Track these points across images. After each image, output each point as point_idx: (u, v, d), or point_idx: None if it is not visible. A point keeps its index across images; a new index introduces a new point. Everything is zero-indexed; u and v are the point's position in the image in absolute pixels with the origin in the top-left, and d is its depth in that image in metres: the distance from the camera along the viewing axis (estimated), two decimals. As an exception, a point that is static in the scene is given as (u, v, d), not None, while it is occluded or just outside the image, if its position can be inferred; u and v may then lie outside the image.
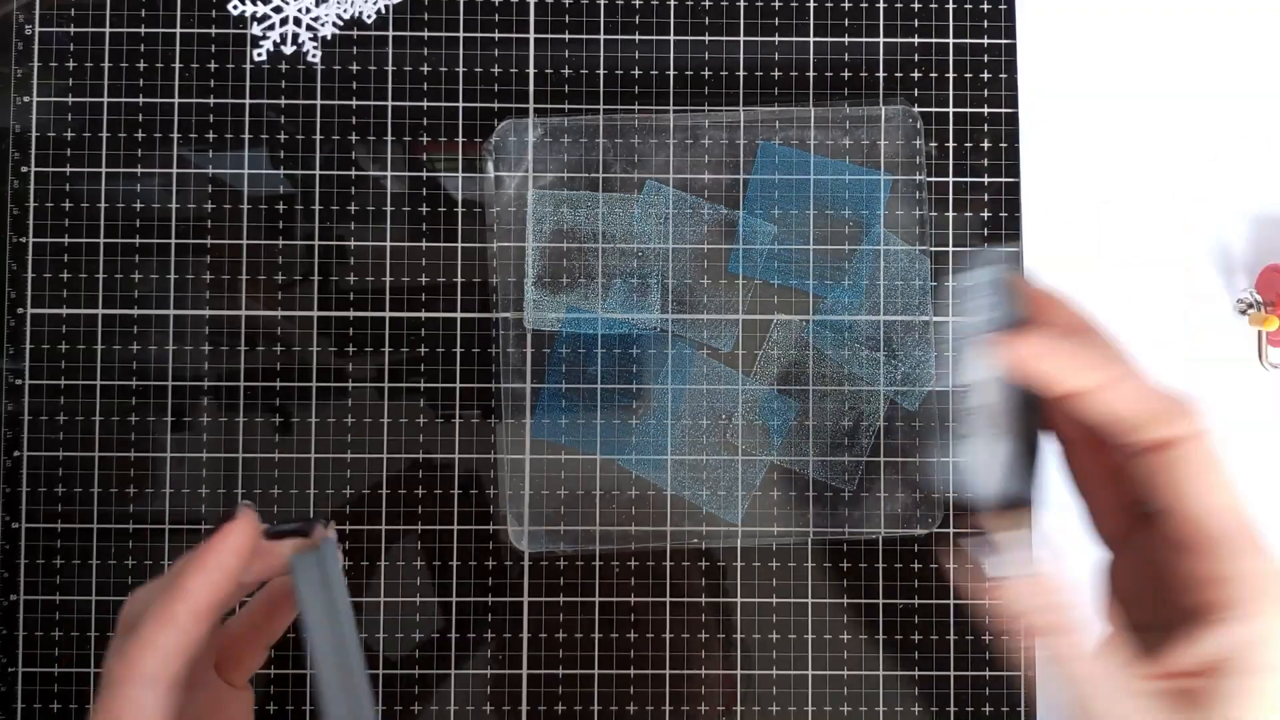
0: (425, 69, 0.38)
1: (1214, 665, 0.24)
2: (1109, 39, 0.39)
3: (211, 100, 0.38)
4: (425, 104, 0.38)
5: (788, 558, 0.38)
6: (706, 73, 0.38)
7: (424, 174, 0.38)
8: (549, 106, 0.38)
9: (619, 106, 0.38)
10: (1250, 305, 0.37)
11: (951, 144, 0.38)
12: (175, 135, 0.38)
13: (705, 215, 0.38)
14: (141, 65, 0.38)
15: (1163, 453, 0.24)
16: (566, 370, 0.38)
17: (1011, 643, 0.30)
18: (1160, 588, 0.25)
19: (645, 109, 0.38)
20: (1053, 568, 0.25)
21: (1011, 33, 0.39)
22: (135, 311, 0.38)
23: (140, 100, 0.38)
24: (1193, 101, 0.39)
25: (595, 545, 0.38)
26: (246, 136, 0.38)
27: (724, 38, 0.38)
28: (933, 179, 0.38)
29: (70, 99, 0.38)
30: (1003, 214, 0.38)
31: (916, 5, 0.39)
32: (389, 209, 0.38)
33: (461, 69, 0.38)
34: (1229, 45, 0.39)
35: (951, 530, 0.38)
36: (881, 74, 0.38)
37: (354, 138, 0.38)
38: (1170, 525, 0.24)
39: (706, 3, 0.38)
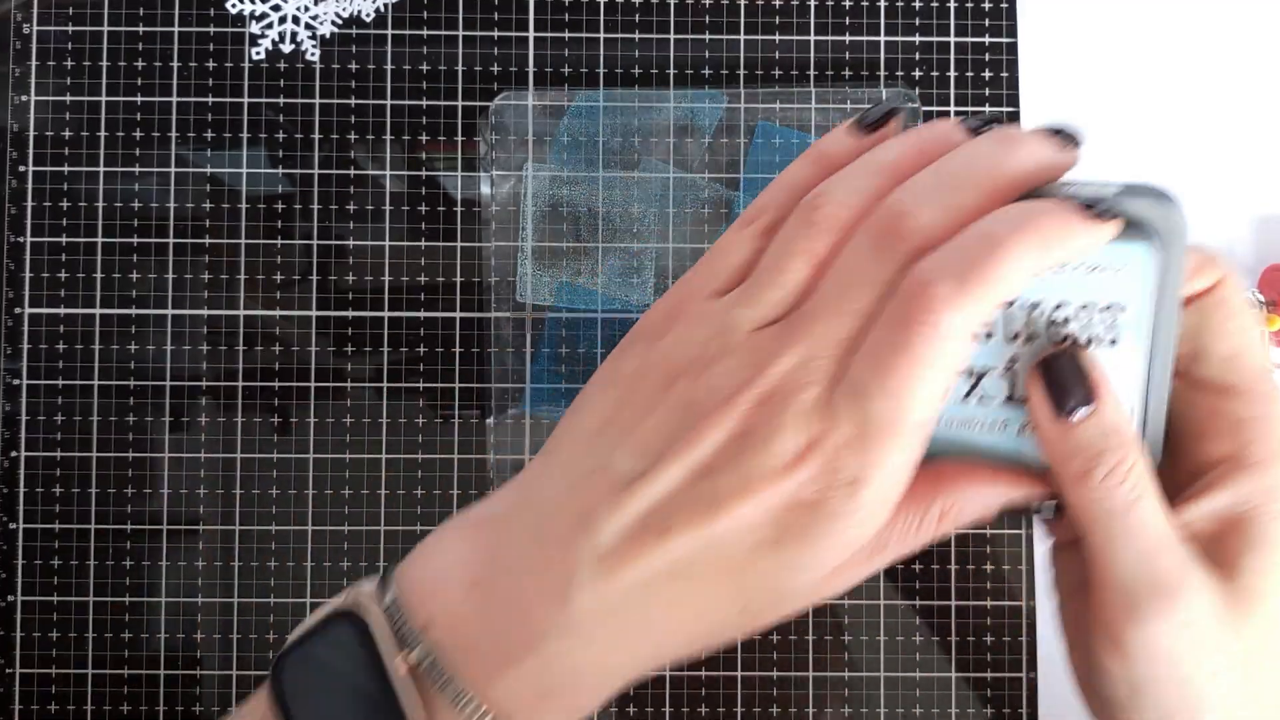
0: (424, 68, 0.38)
1: (1237, 517, 0.23)
2: (1110, 37, 0.39)
3: (210, 99, 0.38)
4: (424, 103, 0.38)
5: (788, 558, 0.38)
6: (707, 71, 0.38)
7: (423, 173, 0.38)
8: (549, 105, 0.38)
9: (619, 90, 0.38)
10: (1252, 305, 0.37)
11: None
12: (174, 134, 0.38)
13: (704, 195, 0.38)
14: (140, 64, 0.38)
15: (1193, 302, 0.23)
16: (562, 348, 0.38)
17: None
18: (1179, 439, 0.24)
19: (646, 91, 0.38)
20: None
21: (1013, 31, 0.39)
22: (134, 311, 0.38)
23: (138, 99, 0.38)
24: (1194, 100, 0.39)
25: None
26: (245, 136, 0.38)
27: (724, 36, 0.38)
28: (934, 178, 0.38)
29: (68, 98, 0.38)
30: (1004, 213, 0.38)
31: (918, 4, 0.38)
32: (388, 209, 0.38)
33: (461, 68, 0.38)
34: (1230, 44, 0.39)
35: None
36: (882, 72, 0.38)
37: (353, 137, 0.38)
38: (1200, 369, 0.23)
39: (707, 3, 0.38)
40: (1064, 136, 0.23)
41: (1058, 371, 0.23)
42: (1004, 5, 0.39)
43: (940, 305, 0.20)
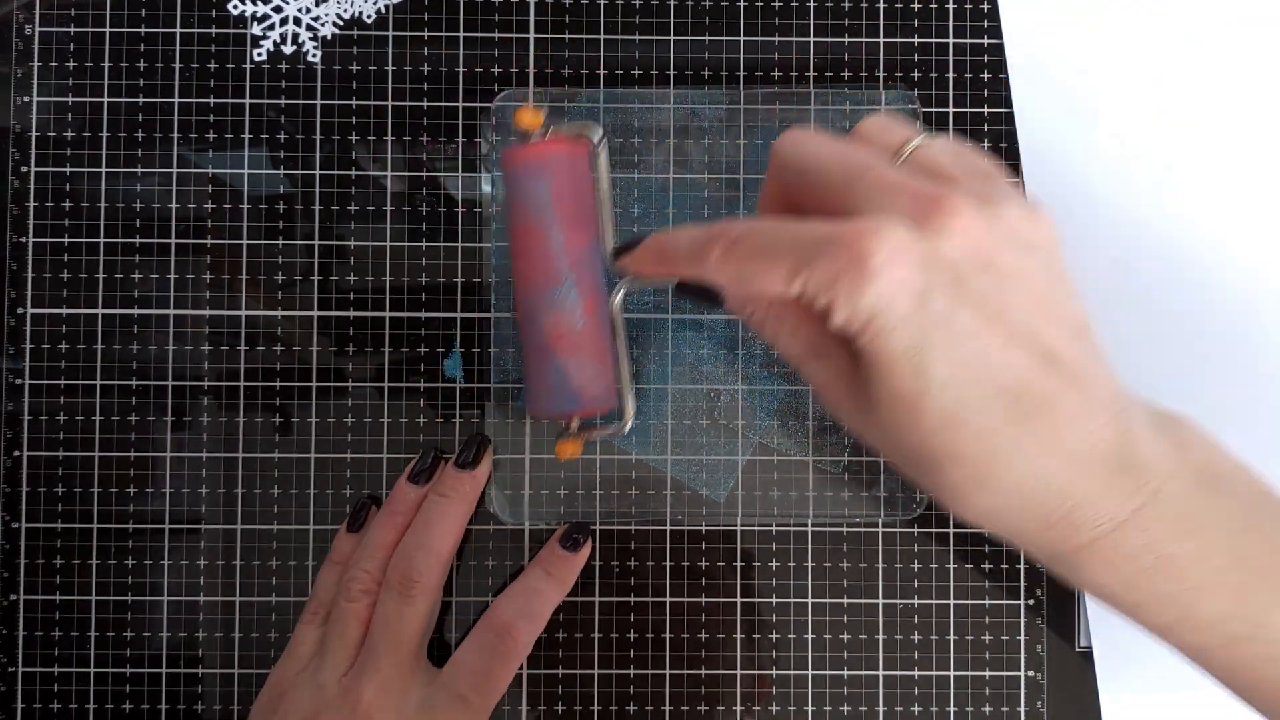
0: (425, 69, 0.38)
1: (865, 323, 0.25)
2: (1102, 30, 0.39)
3: (211, 100, 0.38)
4: (425, 104, 0.38)
5: (787, 558, 0.38)
6: (706, 72, 0.38)
7: (424, 174, 0.38)
8: (549, 105, 0.38)
9: (619, 89, 0.38)
10: None
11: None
12: (175, 135, 0.38)
13: (704, 195, 0.38)
14: (141, 65, 0.38)
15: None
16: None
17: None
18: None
19: (645, 90, 0.38)
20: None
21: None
22: (135, 311, 0.38)
23: (140, 100, 0.38)
24: (1195, 97, 0.39)
25: (596, 523, 0.38)
26: (246, 136, 0.38)
27: (724, 37, 0.38)
28: (933, 179, 0.38)
29: (70, 99, 0.38)
30: (1003, 214, 0.38)
31: (917, 5, 0.39)
32: (389, 209, 0.38)
33: (461, 69, 0.38)
34: (1229, 39, 0.39)
35: (950, 520, 0.38)
36: (881, 73, 0.38)
37: (354, 137, 0.38)
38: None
39: (707, 3, 0.38)
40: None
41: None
42: (1003, 6, 0.39)
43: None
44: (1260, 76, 0.39)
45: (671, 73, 0.38)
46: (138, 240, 0.38)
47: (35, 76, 0.38)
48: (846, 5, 0.39)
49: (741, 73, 0.38)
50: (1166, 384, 0.38)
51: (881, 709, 0.38)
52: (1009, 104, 0.38)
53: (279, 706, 0.34)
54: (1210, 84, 0.39)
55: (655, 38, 0.38)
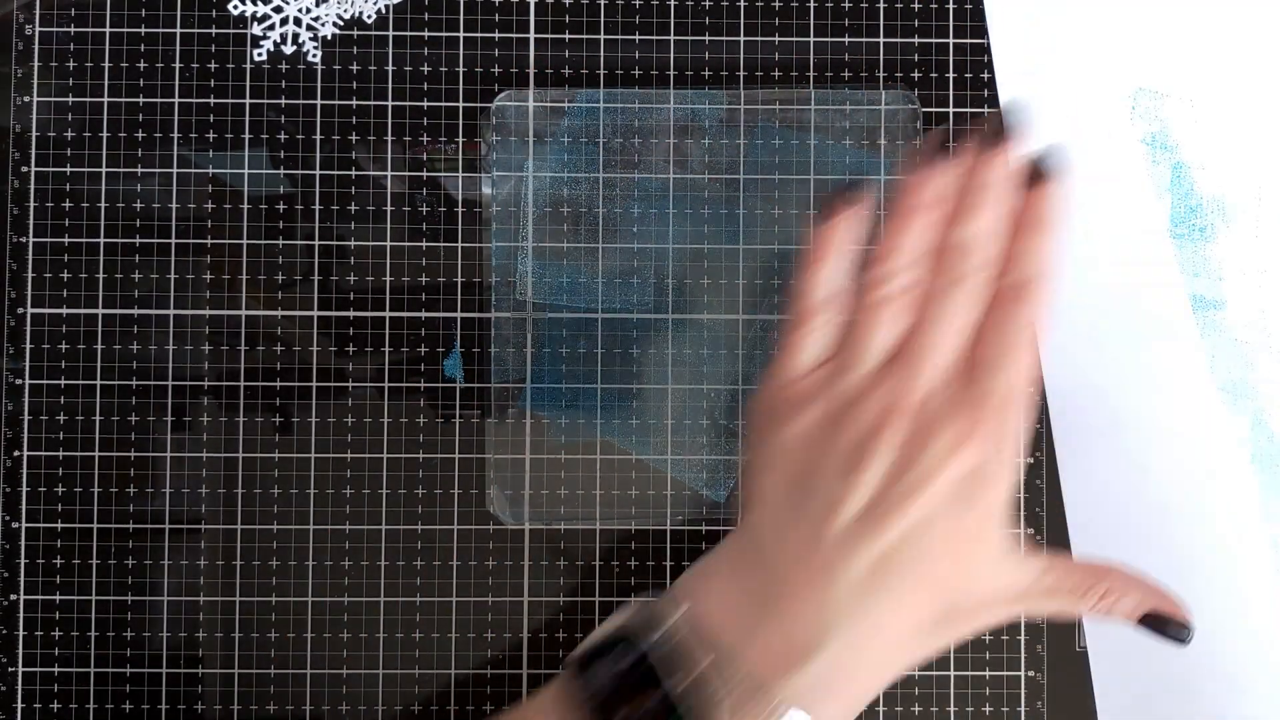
0: (425, 69, 0.38)
1: None
2: (1087, 35, 0.39)
3: (211, 100, 0.38)
4: (425, 104, 0.38)
5: (788, 558, 0.38)
6: (707, 72, 0.38)
7: (424, 174, 0.38)
8: (549, 105, 0.38)
9: (619, 89, 0.38)
10: None
11: (952, 144, 0.38)
12: (175, 135, 0.38)
13: (705, 195, 0.38)
14: (141, 65, 0.38)
15: None
16: (562, 348, 0.38)
17: None
18: None
19: (645, 90, 0.38)
20: None
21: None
22: (135, 311, 0.38)
23: (140, 100, 0.38)
24: (1190, 97, 0.39)
25: (596, 524, 0.38)
26: (246, 136, 0.38)
27: (724, 38, 0.38)
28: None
29: (70, 99, 0.38)
30: (1003, 214, 0.38)
31: (917, 5, 0.39)
32: (389, 209, 0.38)
33: (462, 69, 0.38)
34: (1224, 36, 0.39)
35: (951, 530, 0.38)
36: (881, 74, 0.38)
37: (354, 138, 0.38)
38: None
39: (707, 3, 0.38)
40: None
41: None
42: (1003, 6, 0.39)
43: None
44: (1254, 72, 0.39)
45: (671, 73, 0.38)
46: (138, 240, 0.38)
47: (35, 76, 0.38)
48: (846, 5, 0.39)
49: (741, 73, 0.38)
50: (1157, 379, 0.38)
51: (882, 709, 0.38)
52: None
53: (799, 414, 0.30)
54: (1206, 83, 0.39)
55: (655, 38, 0.38)
